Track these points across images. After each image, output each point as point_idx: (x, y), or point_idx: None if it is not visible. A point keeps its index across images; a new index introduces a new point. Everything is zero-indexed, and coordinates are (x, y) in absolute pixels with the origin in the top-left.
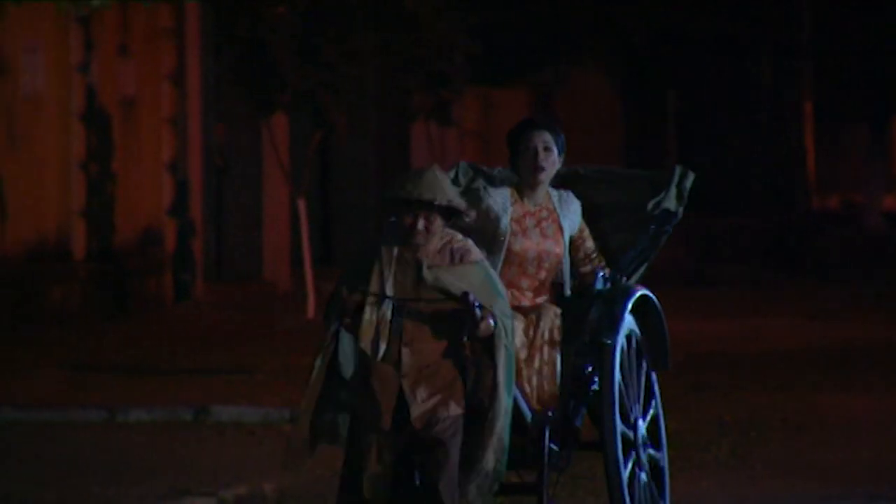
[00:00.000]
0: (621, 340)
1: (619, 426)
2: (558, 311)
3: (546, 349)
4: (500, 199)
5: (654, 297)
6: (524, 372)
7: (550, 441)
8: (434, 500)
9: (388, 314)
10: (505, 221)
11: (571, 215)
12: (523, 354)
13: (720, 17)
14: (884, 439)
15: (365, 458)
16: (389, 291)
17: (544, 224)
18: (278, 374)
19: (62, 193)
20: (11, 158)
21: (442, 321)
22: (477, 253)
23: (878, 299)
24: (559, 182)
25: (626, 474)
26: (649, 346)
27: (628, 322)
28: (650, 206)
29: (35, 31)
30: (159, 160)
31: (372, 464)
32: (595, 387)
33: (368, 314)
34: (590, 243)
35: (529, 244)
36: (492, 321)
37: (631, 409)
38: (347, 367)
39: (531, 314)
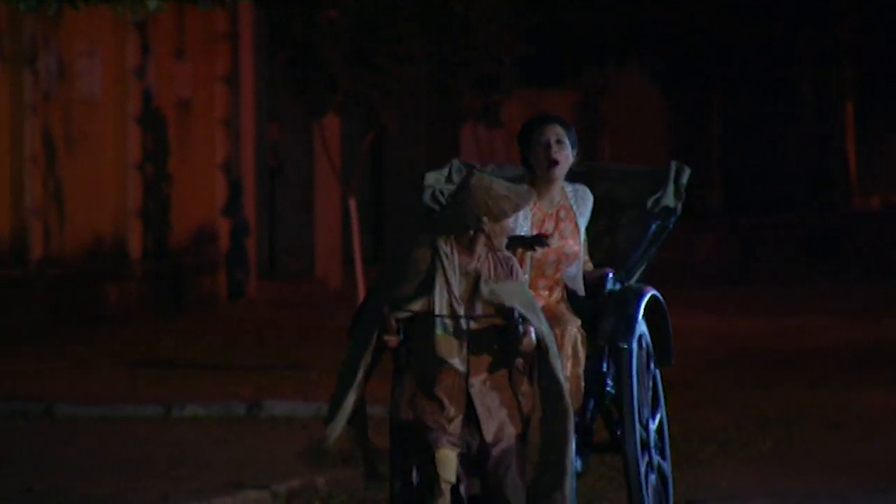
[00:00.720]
0: (636, 344)
1: (639, 428)
2: (578, 322)
3: (569, 365)
4: None
5: (660, 297)
6: None
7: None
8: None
9: (461, 327)
10: (526, 228)
11: (586, 211)
12: None
13: (763, 20)
14: None
15: (432, 466)
16: (455, 307)
17: (563, 225)
18: (329, 370)
19: (119, 194)
20: (70, 160)
21: (492, 338)
22: (520, 270)
23: None
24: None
25: (643, 475)
26: (655, 343)
27: (639, 325)
28: (650, 203)
29: (93, 35)
30: (213, 161)
31: (444, 475)
32: (609, 388)
33: (440, 327)
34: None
35: (549, 249)
36: (533, 336)
37: (643, 411)
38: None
39: (555, 329)
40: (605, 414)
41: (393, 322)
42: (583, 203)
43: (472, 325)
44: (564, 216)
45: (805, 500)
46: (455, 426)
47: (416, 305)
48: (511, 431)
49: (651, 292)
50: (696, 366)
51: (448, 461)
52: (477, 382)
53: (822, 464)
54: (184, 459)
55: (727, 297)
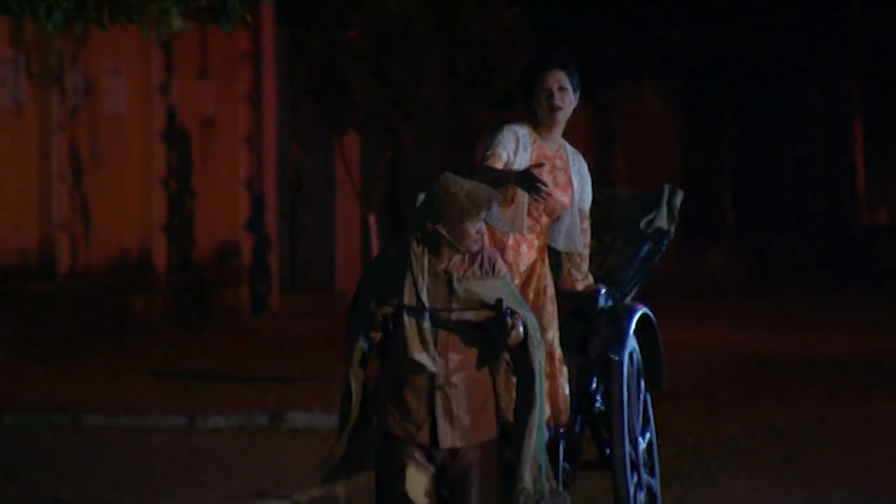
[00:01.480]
0: (626, 358)
1: (628, 443)
2: (556, 323)
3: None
4: (521, 135)
5: (652, 316)
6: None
7: (564, 458)
8: None
9: (427, 324)
10: (525, 159)
11: (581, 178)
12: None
13: (774, 39)
14: None
15: (400, 482)
16: (425, 301)
17: (557, 172)
18: None
19: (144, 209)
20: (95, 176)
21: (473, 331)
22: (503, 266)
23: None
24: None
25: (633, 494)
26: (646, 365)
27: (630, 340)
28: (643, 224)
29: (118, 54)
30: (236, 177)
31: (411, 488)
32: (598, 405)
33: (408, 324)
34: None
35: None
36: (521, 329)
37: (633, 425)
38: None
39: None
40: (595, 431)
41: (379, 317)
42: (578, 164)
43: (450, 322)
44: (561, 166)
45: None
46: (423, 434)
47: (392, 302)
48: (482, 438)
49: (643, 309)
50: (707, 377)
51: (416, 480)
52: (452, 383)
53: (832, 473)
54: (207, 469)
55: (738, 310)
